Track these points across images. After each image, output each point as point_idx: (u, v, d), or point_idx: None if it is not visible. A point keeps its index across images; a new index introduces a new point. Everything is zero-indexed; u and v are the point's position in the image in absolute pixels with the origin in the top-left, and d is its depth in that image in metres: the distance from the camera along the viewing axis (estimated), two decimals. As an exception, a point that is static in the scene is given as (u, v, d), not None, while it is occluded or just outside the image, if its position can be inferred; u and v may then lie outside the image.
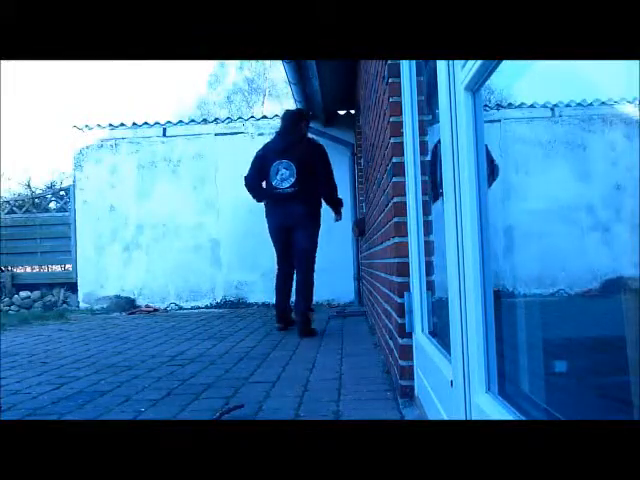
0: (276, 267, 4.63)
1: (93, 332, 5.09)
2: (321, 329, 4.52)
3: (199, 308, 7.27)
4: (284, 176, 4.42)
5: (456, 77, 1.22)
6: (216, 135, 7.43)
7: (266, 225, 4.60)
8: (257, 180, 4.66)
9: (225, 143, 7.41)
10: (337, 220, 4.83)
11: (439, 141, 1.37)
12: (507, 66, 1.03)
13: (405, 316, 2.15)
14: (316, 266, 4.57)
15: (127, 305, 7.27)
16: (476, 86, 1.12)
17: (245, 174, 4.74)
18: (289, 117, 4.64)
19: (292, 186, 4.38)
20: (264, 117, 7.58)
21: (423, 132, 2.07)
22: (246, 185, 4.76)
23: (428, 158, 2.00)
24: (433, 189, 1.91)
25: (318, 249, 4.57)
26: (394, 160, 2.24)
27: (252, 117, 7.65)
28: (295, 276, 4.51)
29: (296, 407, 2.16)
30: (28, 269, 8.47)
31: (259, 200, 4.74)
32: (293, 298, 4.47)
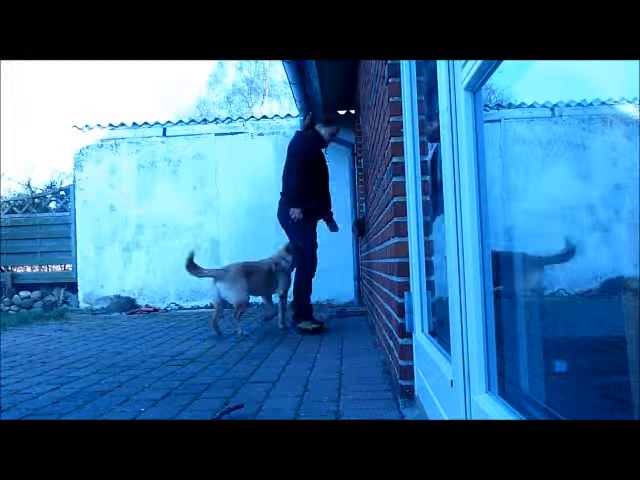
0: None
1: (93, 332, 5.09)
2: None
3: (199, 308, 7.27)
4: None
5: (456, 77, 1.22)
6: (216, 135, 7.43)
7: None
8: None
9: (225, 143, 7.41)
10: (293, 218, 4.44)
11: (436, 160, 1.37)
12: (507, 66, 1.03)
13: (405, 316, 2.15)
14: (317, 266, 4.59)
15: (127, 305, 7.28)
16: (476, 86, 1.12)
17: None
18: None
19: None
20: (264, 117, 7.58)
21: (423, 132, 2.07)
22: None
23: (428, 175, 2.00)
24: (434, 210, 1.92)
25: (318, 249, 4.58)
26: (394, 160, 2.24)
27: (252, 117, 7.66)
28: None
29: (296, 407, 2.16)
30: (28, 269, 8.48)
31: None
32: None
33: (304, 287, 4.46)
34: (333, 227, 4.88)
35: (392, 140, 2.25)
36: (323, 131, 4.56)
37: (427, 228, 2.04)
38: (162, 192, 7.44)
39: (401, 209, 2.19)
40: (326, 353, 3.41)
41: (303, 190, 4.41)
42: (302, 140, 4.56)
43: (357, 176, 6.78)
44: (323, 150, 4.75)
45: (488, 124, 1.26)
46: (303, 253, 4.49)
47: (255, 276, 4.45)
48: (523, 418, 0.96)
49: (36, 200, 8.29)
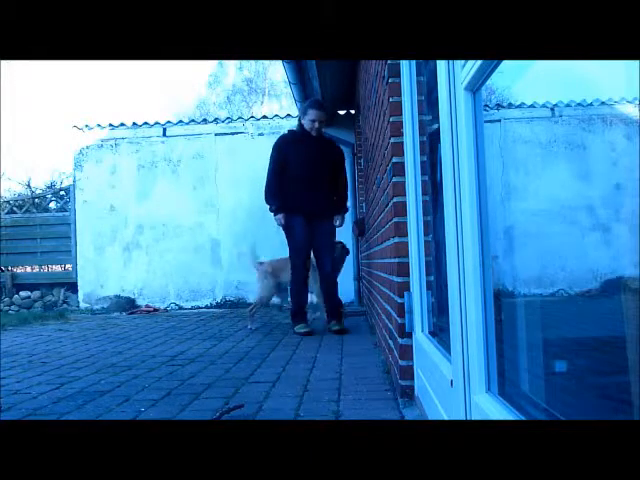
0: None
1: (93, 332, 5.09)
2: (321, 329, 4.52)
3: (199, 308, 7.27)
4: None
5: (456, 77, 1.22)
6: (216, 135, 7.43)
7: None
8: None
9: (225, 143, 7.41)
10: (278, 224, 4.46)
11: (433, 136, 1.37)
12: (507, 66, 1.03)
13: (405, 316, 2.15)
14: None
15: (127, 305, 7.28)
16: (476, 86, 1.12)
17: None
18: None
19: None
20: (264, 117, 7.58)
21: (423, 132, 2.07)
22: None
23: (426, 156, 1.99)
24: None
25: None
26: (394, 160, 2.24)
27: (252, 117, 7.66)
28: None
29: (296, 407, 2.16)
30: (28, 269, 8.48)
31: None
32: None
33: (295, 290, 4.39)
34: (339, 222, 4.77)
35: (392, 140, 2.25)
36: (305, 121, 4.34)
37: (427, 228, 2.04)
38: (162, 192, 7.44)
39: (401, 209, 2.19)
40: (326, 353, 3.41)
41: (280, 189, 4.32)
42: (277, 139, 4.53)
43: (357, 176, 6.78)
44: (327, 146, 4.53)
45: (488, 124, 1.26)
46: (290, 254, 4.41)
47: (286, 271, 4.53)
48: (523, 418, 0.96)
49: (36, 200, 8.28)
